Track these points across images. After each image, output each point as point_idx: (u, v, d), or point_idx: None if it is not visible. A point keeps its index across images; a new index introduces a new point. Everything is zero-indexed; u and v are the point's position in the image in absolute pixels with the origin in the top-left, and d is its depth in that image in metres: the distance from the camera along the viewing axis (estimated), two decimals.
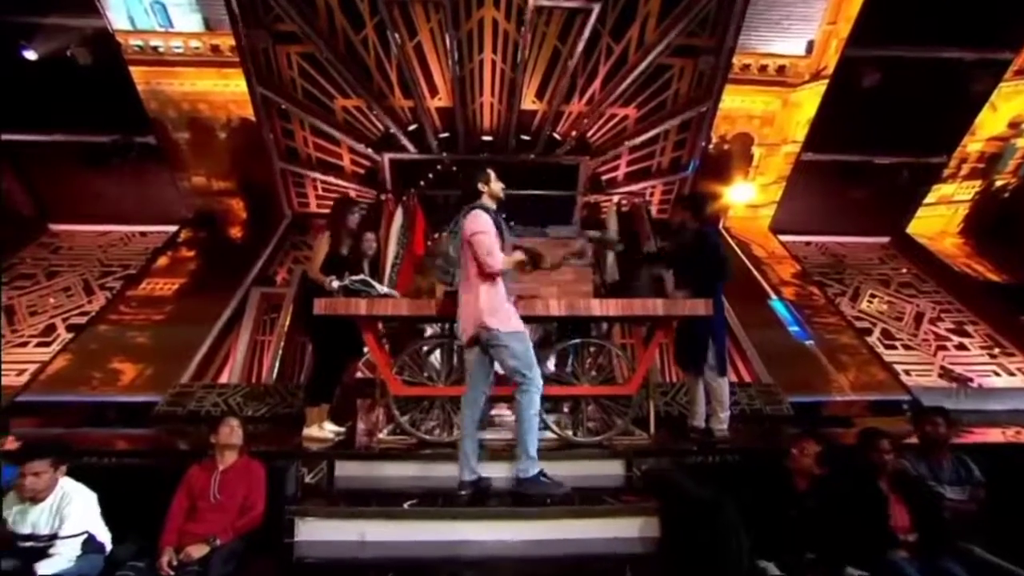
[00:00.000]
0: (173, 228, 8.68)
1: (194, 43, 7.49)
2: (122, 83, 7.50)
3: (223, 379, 6.23)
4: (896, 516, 2.64)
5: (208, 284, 7.43)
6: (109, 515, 2.60)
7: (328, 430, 3.93)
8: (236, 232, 8.70)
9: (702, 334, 3.86)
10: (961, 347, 7.46)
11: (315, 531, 2.81)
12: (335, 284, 3.74)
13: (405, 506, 2.91)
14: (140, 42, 7.40)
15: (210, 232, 8.57)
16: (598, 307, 3.56)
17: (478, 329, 2.89)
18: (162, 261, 8.04)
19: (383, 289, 3.81)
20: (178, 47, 7.49)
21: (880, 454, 2.79)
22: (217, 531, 2.63)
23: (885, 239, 9.70)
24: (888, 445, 2.82)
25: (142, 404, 5.33)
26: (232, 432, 2.88)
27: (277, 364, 6.40)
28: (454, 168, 8.33)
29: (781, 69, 8.26)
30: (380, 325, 3.87)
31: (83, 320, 6.92)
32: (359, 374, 5.30)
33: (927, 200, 9.53)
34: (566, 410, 3.95)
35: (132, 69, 7.53)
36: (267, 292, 7.38)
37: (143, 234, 8.80)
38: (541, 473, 2.90)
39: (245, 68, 7.46)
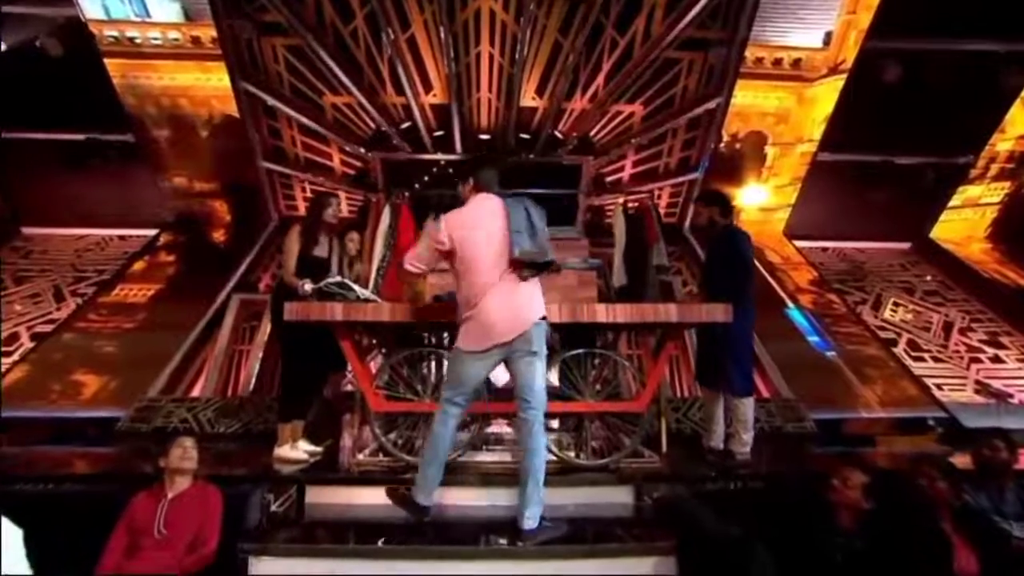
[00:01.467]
0: (153, 232, 8.49)
1: (173, 34, 7.30)
2: (97, 77, 7.30)
3: (196, 392, 5.98)
4: (962, 560, 2.32)
5: (186, 290, 7.23)
6: (43, 553, 2.25)
7: (302, 450, 3.68)
8: (219, 236, 8.52)
9: (729, 345, 3.59)
10: (996, 359, 7.17)
11: (274, 571, 2.50)
12: (308, 287, 3.48)
13: (380, 543, 2.60)
14: (115, 33, 7.20)
15: (191, 236, 8.39)
16: (604, 314, 3.32)
17: (509, 333, 2.57)
18: (138, 266, 7.84)
19: (363, 293, 3.53)
20: (156, 38, 7.29)
21: (932, 483, 2.47)
22: (160, 569, 2.35)
23: (907, 244, 9.48)
24: (938, 473, 2.52)
25: (105, 420, 5.05)
26: (184, 455, 2.63)
27: (255, 376, 6.19)
28: (450, 169, 8.13)
29: (797, 63, 8.07)
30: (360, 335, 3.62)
31: (50, 328, 6.66)
32: (349, 387, 5.09)
33: (952, 203, 9.33)
34: (568, 429, 3.73)
35: (107, 61, 7.33)
36: (248, 299, 7.17)
37: (122, 238, 8.59)
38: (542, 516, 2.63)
39: (228, 61, 7.26)
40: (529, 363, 2.61)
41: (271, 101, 7.64)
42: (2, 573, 2.16)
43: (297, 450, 3.66)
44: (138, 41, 7.27)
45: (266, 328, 6.52)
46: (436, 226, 2.77)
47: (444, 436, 2.72)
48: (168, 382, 5.77)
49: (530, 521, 2.56)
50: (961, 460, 3.26)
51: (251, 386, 6.09)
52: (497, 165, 2.96)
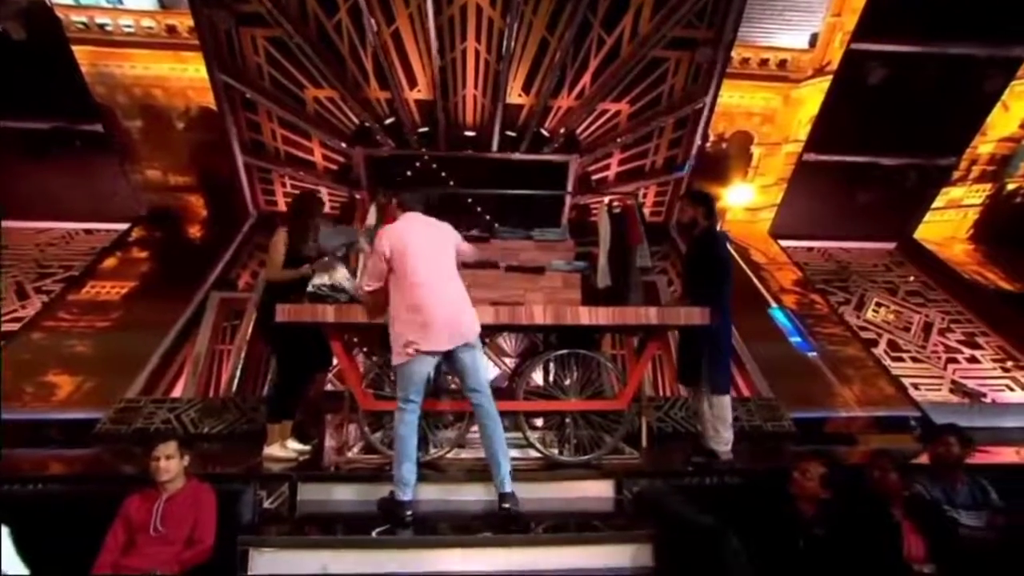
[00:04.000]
0: (123, 226, 8.48)
1: (147, 22, 7.36)
2: (64, 64, 7.28)
3: (176, 393, 6.07)
4: (911, 546, 2.63)
5: (162, 288, 7.26)
6: (32, 553, 2.41)
7: (291, 449, 3.84)
8: (195, 231, 8.56)
9: (707, 345, 3.79)
10: (972, 360, 7.59)
11: (272, 564, 2.73)
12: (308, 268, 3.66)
13: (374, 534, 2.82)
14: (84, 19, 7.24)
15: (166, 231, 8.41)
16: (587, 316, 3.54)
17: (469, 332, 2.99)
18: (110, 262, 7.84)
19: (357, 292, 3.72)
20: (128, 26, 7.34)
21: (885, 475, 2.77)
22: (158, 565, 2.51)
23: (891, 245, 9.87)
24: (890, 464, 2.80)
25: (82, 422, 5.14)
26: (160, 467, 2.65)
27: (237, 376, 6.27)
28: (434, 165, 8.29)
29: (783, 63, 8.37)
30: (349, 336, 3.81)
31: (16, 327, 6.65)
32: (329, 386, 5.21)
33: (936, 204, 9.69)
34: (552, 426, 3.93)
35: (76, 49, 7.33)
36: (228, 297, 7.24)
37: (88, 232, 8.59)
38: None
39: (205, 52, 7.31)
40: (474, 357, 3.03)
41: (250, 94, 7.72)
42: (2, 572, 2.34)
43: (287, 449, 3.80)
44: (109, 28, 7.32)
45: (248, 327, 6.62)
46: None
47: (407, 436, 3.00)
48: (147, 383, 5.84)
49: (507, 484, 2.94)
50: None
51: (234, 386, 6.17)
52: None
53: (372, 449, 3.70)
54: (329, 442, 4.20)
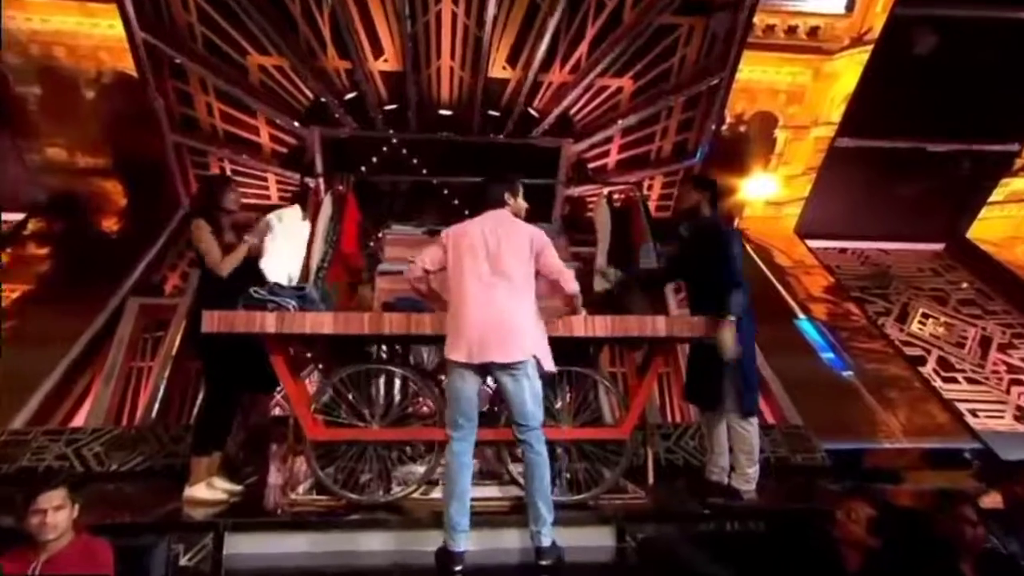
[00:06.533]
0: (16, 216, 8.22)
1: None
2: None
3: (78, 421, 5.89)
4: None
5: (66, 292, 7.06)
6: None
7: (220, 488, 3.74)
8: (110, 224, 8.36)
9: (718, 361, 3.69)
10: None
11: None
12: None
13: None
14: None
15: (71, 223, 8.19)
16: (581, 326, 3.49)
17: (504, 352, 2.98)
18: None
19: (312, 293, 3.66)
20: None
21: (961, 526, 2.71)
22: None
23: (940, 246, 9.97)
24: (974, 515, 2.75)
25: None
26: (42, 523, 2.44)
27: (159, 400, 6.11)
28: (404, 150, 8.25)
29: (814, 31, 8.42)
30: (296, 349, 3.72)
31: None
32: (278, 410, 5.17)
33: (993, 197, 9.76)
34: None
35: None
36: (150, 304, 7.11)
37: None
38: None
39: (121, 5, 7.07)
40: (520, 382, 3.03)
41: (179, 58, 7.55)
42: None
43: (214, 489, 3.71)
44: None
45: (175, 339, 6.49)
46: None
47: (454, 470, 3.01)
48: (40, 409, 5.69)
49: (546, 538, 2.94)
50: (996, 499, 3.50)
51: (153, 412, 6.02)
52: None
53: (324, 489, 3.61)
54: (274, 479, 4.12)
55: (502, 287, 3.06)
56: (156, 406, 6.09)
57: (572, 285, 3.27)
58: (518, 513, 3.26)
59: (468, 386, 3.04)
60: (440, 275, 3.33)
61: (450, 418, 3.09)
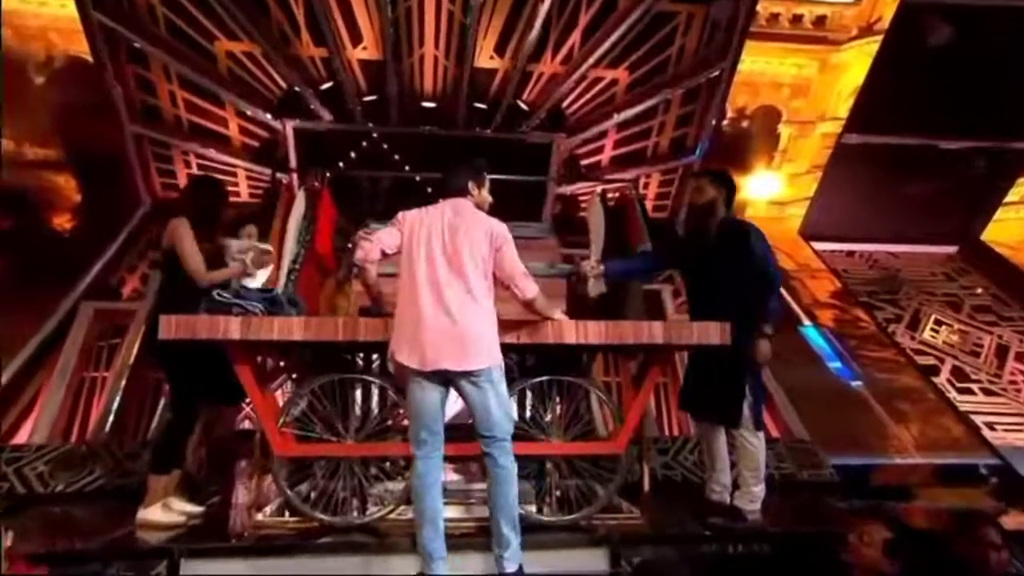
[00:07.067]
0: None
1: None
2: None
3: (22, 437, 5.77)
4: None
5: (13, 295, 6.79)
6: None
7: (177, 510, 3.68)
8: (62, 222, 8.21)
9: (726, 371, 3.70)
10: None
11: None
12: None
13: None
14: None
15: (18, 220, 7.95)
16: (573, 332, 3.44)
17: (464, 358, 2.92)
18: None
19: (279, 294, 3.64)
20: None
21: (984, 549, 2.70)
22: None
23: (953, 248, 10.03)
24: (998, 537, 2.75)
25: None
26: None
27: (114, 413, 6.00)
28: (384, 144, 8.28)
29: (820, 20, 8.48)
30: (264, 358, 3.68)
31: None
32: (248, 423, 5.16)
33: (1009, 198, 9.83)
34: (528, 475, 3.77)
35: None
36: (105, 308, 7.01)
37: None
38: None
39: None
40: (483, 391, 2.97)
41: (139, 42, 7.50)
42: None
43: (170, 511, 3.65)
44: None
45: (133, 347, 6.41)
46: None
47: (421, 491, 2.96)
48: None
49: (510, 564, 2.89)
50: (1017, 519, 3.50)
51: (107, 427, 5.90)
52: None
53: (293, 509, 3.57)
54: (240, 499, 4.02)
55: (458, 285, 2.99)
56: (110, 420, 5.97)
57: (528, 292, 3.17)
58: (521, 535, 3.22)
59: (428, 396, 2.97)
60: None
61: (412, 433, 3.03)
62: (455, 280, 2.99)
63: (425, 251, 3.04)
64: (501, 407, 2.98)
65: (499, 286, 3.15)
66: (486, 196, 3.33)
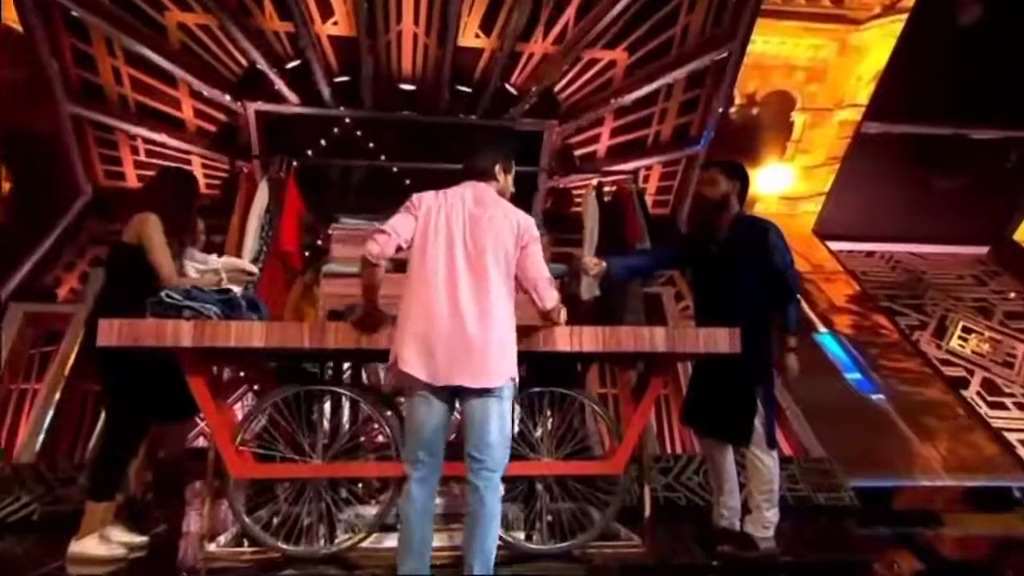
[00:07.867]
0: None
1: None
2: None
3: None
4: None
5: None
6: None
7: (116, 542, 3.62)
8: None
9: (735, 383, 3.72)
10: None
11: None
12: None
13: None
14: None
15: None
16: (566, 339, 3.43)
17: (484, 373, 2.82)
18: None
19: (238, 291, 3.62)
20: None
21: None
22: None
23: (983, 249, 10.14)
24: None
25: None
26: None
27: (45, 429, 5.98)
28: (357, 130, 8.27)
29: None
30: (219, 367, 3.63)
31: None
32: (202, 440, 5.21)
33: None
34: (516, 498, 3.79)
35: None
36: (38, 311, 7.00)
37: None
38: None
39: None
40: (488, 409, 2.86)
41: (77, 11, 7.34)
42: None
43: (108, 543, 3.59)
44: None
45: (69, 355, 6.40)
46: None
47: (409, 515, 2.85)
48: None
49: None
50: None
51: (37, 446, 5.88)
52: None
53: (251, 538, 3.52)
54: (192, 527, 4.07)
55: (478, 286, 2.88)
56: (41, 438, 5.95)
57: (549, 301, 3.09)
58: (509, 564, 3.21)
59: (434, 413, 2.86)
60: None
61: (409, 452, 2.92)
62: (475, 280, 2.88)
63: (443, 242, 2.93)
64: (501, 431, 2.85)
65: (517, 289, 3.05)
66: (510, 184, 3.28)
